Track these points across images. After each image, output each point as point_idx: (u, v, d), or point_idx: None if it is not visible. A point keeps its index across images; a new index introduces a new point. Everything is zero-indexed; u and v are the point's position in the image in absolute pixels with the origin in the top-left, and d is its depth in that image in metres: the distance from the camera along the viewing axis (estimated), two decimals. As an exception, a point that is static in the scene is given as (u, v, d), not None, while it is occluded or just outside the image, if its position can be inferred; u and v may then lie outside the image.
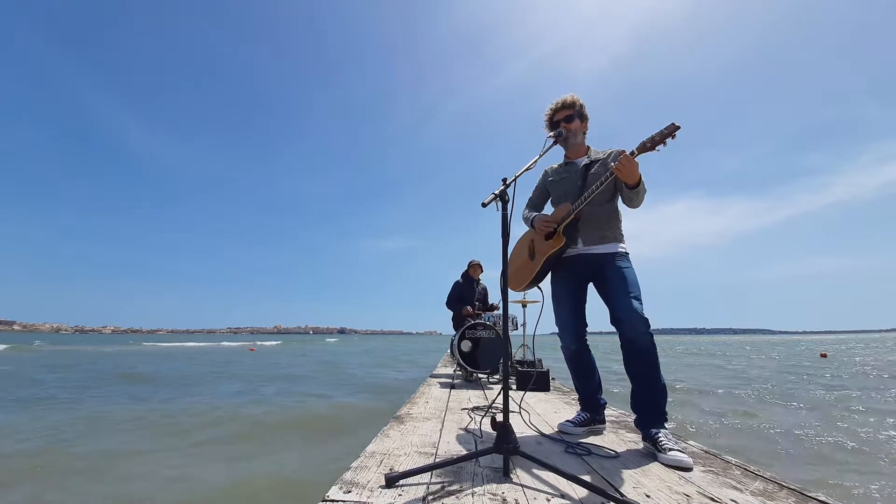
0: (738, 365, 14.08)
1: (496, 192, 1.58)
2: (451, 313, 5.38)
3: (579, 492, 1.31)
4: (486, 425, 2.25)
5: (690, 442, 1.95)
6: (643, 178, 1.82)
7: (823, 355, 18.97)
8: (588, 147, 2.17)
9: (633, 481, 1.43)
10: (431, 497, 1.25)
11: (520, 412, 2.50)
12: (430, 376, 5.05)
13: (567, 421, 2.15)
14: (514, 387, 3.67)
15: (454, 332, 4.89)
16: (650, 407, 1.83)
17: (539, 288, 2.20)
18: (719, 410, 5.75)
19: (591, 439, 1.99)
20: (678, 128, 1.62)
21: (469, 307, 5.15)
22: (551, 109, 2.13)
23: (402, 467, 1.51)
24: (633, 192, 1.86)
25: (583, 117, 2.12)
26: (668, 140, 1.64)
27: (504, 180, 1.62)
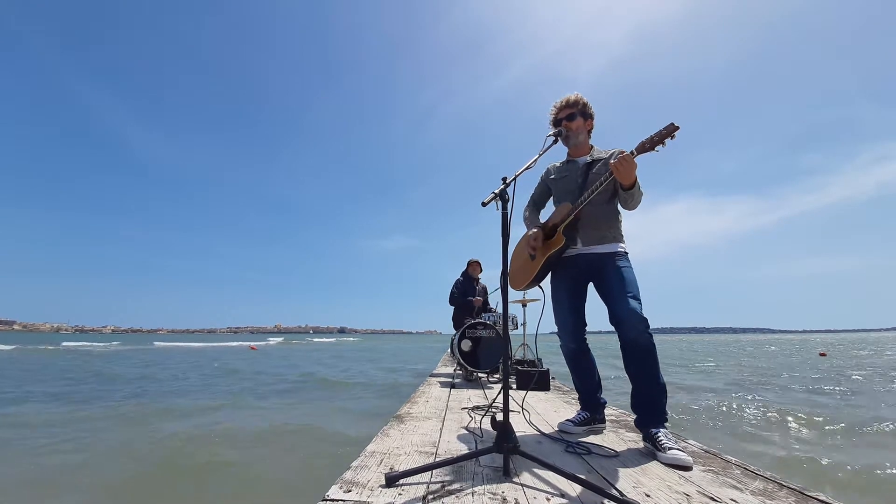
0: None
1: (496, 191, 1.58)
2: (451, 313, 5.37)
3: (579, 491, 1.31)
4: (487, 424, 2.26)
5: (690, 441, 1.95)
6: (639, 181, 1.82)
7: (823, 354, 19.01)
8: (591, 146, 2.17)
9: (632, 480, 1.43)
10: (431, 496, 1.25)
11: (522, 412, 2.50)
12: (430, 375, 5.05)
13: (567, 420, 2.16)
14: (514, 386, 3.68)
15: (454, 332, 4.89)
16: (650, 406, 1.83)
17: (540, 287, 2.20)
18: None
19: (591, 439, 2.00)
20: (677, 128, 1.61)
21: (478, 298, 5.18)
22: (555, 108, 2.14)
23: (402, 466, 1.52)
24: (629, 193, 1.87)
25: (586, 116, 2.12)
26: (668, 140, 1.64)
27: (504, 179, 1.62)
